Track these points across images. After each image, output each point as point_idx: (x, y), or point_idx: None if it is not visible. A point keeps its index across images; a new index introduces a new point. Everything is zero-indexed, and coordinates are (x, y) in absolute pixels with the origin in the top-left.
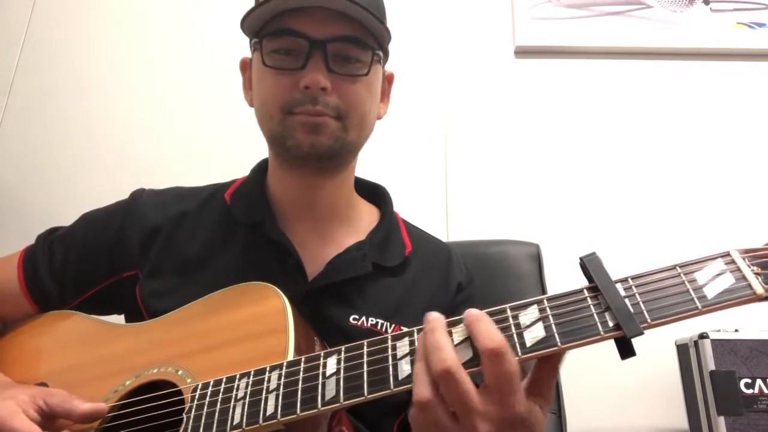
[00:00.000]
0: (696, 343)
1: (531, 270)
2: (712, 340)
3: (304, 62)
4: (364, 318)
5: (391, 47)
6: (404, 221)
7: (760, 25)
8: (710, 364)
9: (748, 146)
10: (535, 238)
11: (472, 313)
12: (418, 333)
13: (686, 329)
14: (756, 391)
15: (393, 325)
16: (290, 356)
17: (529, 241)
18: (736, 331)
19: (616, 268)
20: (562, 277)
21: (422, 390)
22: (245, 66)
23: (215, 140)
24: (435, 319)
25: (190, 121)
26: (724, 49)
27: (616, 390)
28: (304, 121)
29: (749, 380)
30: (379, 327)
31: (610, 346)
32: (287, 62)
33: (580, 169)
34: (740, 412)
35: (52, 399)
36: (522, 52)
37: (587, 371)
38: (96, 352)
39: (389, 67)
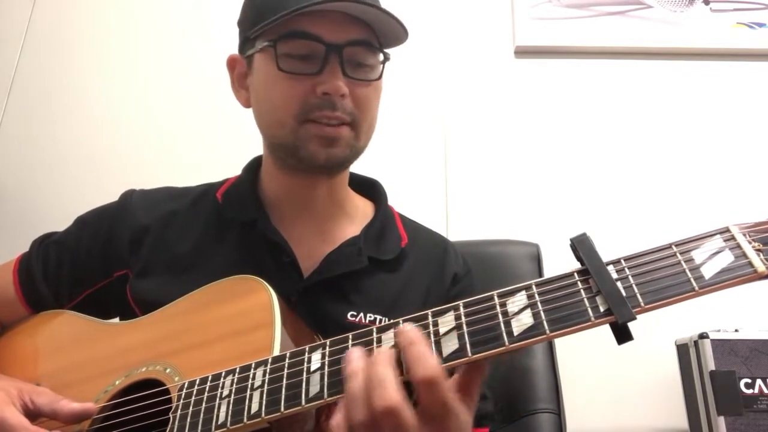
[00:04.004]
0: (696, 343)
1: (531, 270)
2: (712, 340)
3: (320, 67)
4: (361, 314)
5: (391, 47)
6: (400, 214)
7: (760, 25)
8: (710, 364)
9: (747, 146)
10: (535, 238)
11: (406, 333)
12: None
13: (686, 329)
14: (756, 391)
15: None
16: (276, 351)
17: (529, 241)
18: (736, 331)
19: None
20: None
21: (358, 412)
22: (233, 63)
23: (218, 140)
24: (382, 352)
25: (191, 120)
26: (724, 49)
27: (616, 390)
28: (320, 134)
29: (749, 380)
30: (377, 323)
31: (611, 344)
32: (302, 67)
33: (580, 169)
34: (740, 412)
35: (40, 398)
36: (522, 52)
37: (587, 371)
38: (88, 352)
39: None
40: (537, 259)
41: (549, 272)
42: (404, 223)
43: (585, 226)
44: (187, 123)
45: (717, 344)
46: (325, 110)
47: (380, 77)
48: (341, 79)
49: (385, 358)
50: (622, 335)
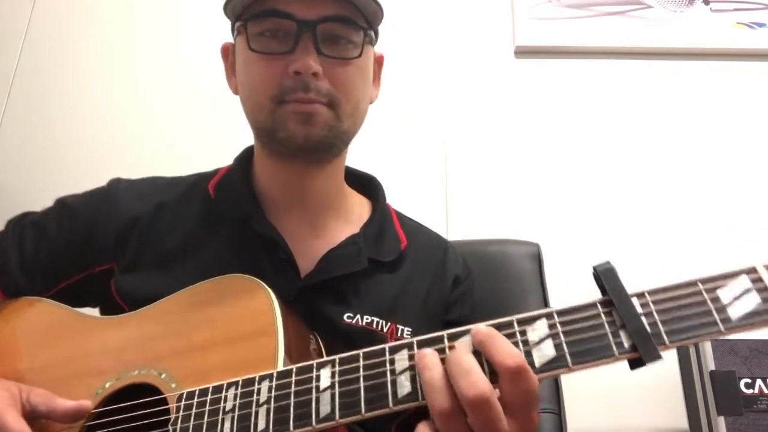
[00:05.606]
0: (696, 343)
1: (531, 270)
2: (712, 340)
3: (292, 45)
4: (359, 316)
5: (391, 47)
6: (397, 213)
7: (760, 25)
8: (710, 364)
9: (747, 146)
10: (535, 238)
11: (482, 329)
12: (418, 345)
13: None
14: (756, 391)
15: (389, 324)
16: (280, 363)
17: (529, 240)
18: None
19: (617, 267)
20: (563, 276)
21: (442, 400)
22: (226, 52)
23: (221, 140)
24: (460, 345)
25: (193, 120)
26: (724, 49)
27: (616, 390)
28: (296, 110)
29: (749, 380)
30: (374, 326)
31: None
32: (274, 46)
33: (580, 169)
34: (740, 412)
35: (36, 398)
36: (522, 52)
37: (587, 371)
38: (73, 348)
39: (388, 54)
40: (537, 259)
41: (549, 272)
42: (402, 222)
43: (585, 225)
44: (188, 123)
45: (717, 344)
46: (298, 92)
47: (361, 55)
48: (313, 57)
49: (466, 348)
50: (637, 362)
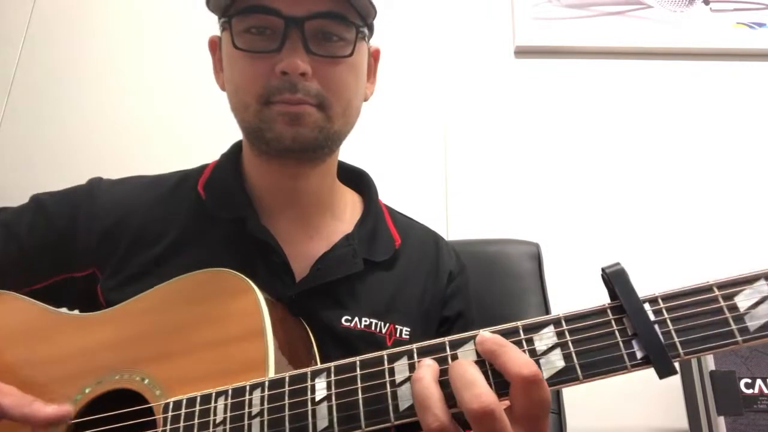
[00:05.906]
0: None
1: (531, 269)
2: None
3: (279, 44)
4: (356, 319)
5: (391, 46)
6: (388, 209)
7: (760, 25)
8: (710, 364)
9: (747, 146)
10: (535, 238)
11: (489, 338)
12: (418, 353)
13: None
14: (756, 391)
15: (387, 324)
16: (271, 369)
17: (529, 240)
18: None
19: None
20: (562, 276)
21: (434, 417)
22: (214, 46)
23: (228, 139)
24: (462, 356)
25: (196, 118)
26: (724, 49)
27: (616, 390)
28: (284, 111)
29: (749, 380)
30: (373, 327)
31: None
32: (260, 43)
33: (580, 169)
34: (740, 412)
35: (6, 399)
36: (522, 52)
37: None
38: (47, 348)
39: (388, 53)
40: (537, 258)
41: (549, 272)
42: (393, 218)
43: (585, 225)
44: (191, 122)
45: None
46: (285, 93)
47: (353, 53)
48: (301, 56)
49: (468, 358)
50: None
